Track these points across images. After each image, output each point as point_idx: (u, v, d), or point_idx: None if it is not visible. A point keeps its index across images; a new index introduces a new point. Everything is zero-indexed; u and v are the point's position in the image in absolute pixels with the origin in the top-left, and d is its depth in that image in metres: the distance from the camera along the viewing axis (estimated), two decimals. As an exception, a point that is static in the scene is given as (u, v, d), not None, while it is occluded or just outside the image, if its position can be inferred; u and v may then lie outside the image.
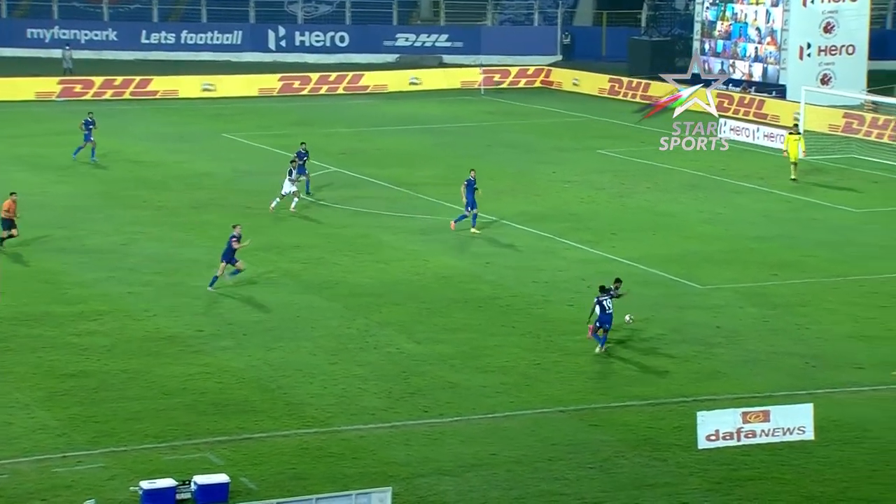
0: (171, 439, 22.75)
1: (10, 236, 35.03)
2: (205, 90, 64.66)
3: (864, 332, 28.82)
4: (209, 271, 33.06)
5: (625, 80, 64.76)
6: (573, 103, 63.38)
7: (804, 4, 59.96)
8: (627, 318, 28.31)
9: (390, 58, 75.57)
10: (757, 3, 61.86)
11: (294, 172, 39.69)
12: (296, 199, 39.65)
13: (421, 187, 42.26)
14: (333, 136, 54.75)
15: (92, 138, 47.10)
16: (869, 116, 52.56)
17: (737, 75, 63.24)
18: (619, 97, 64.46)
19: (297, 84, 66.40)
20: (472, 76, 68.38)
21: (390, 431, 23.35)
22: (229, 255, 31.73)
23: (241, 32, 76.75)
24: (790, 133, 45.39)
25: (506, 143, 51.32)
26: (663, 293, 31.87)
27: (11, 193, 35.83)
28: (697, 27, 65.54)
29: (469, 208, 36.90)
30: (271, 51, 76.43)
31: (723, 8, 63.91)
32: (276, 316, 30.06)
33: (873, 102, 53.20)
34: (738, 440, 21.75)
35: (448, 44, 76.45)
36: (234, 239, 31.78)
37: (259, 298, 31.21)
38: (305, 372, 26.38)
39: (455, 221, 36.97)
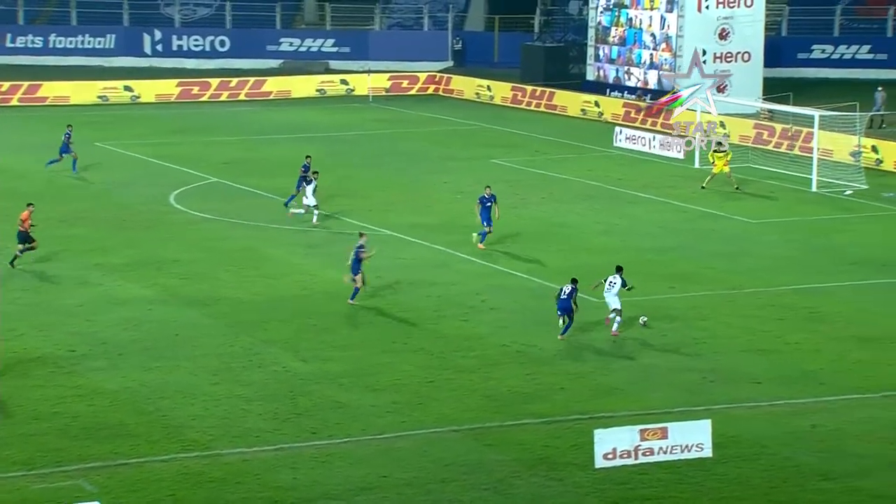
0: (40, 466, 22.32)
1: (29, 249, 34.41)
2: (100, 99, 63.68)
3: (760, 346, 29.43)
4: (78, 287, 32.55)
5: (528, 88, 65.31)
6: (466, 111, 63.74)
7: (699, 10, 61.13)
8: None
9: (274, 63, 75.20)
10: (651, 9, 62.89)
11: (304, 184, 39.93)
12: (316, 212, 39.46)
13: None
14: (215, 145, 54.28)
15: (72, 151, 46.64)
16: (765, 125, 53.80)
17: (632, 82, 64.22)
18: (516, 105, 64.98)
19: (175, 90, 65.70)
20: (361, 83, 68.40)
21: (276, 454, 23.19)
22: (357, 267, 31.47)
23: (113, 36, 75.73)
24: (715, 151, 46.31)
25: (396, 153, 51.41)
26: (559, 307, 32.13)
27: (28, 205, 35.20)
28: (591, 33, 66.38)
29: (485, 224, 36.86)
30: (147, 55, 75.51)
31: (617, 13, 64.85)
32: (153, 334, 29.66)
33: (769, 111, 54.43)
34: (636, 458, 22.03)
35: (334, 49, 76.35)
36: (361, 249, 31.45)
37: (135, 316, 30.77)
38: (185, 393, 26.08)
39: (482, 242, 36.99)
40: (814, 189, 45.72)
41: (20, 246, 34.44)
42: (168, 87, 65.70)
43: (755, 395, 26.47)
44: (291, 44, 76.50)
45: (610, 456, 21.94)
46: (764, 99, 56.06)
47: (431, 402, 25.87)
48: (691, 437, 22.40)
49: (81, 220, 40.42)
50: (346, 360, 28.22)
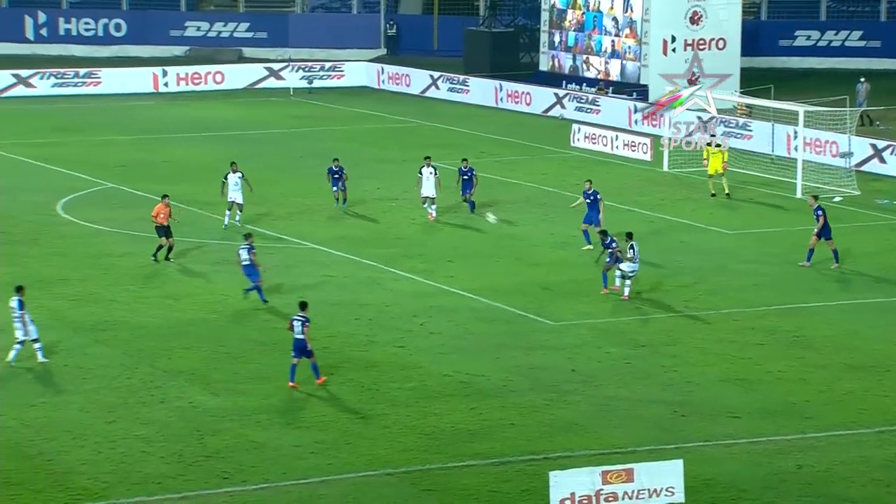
0: None
1: (167, 246, 36.83)
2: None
3: (739, 375, 29.73)
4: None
5: (472, 79, 65.64)
6: (401, 106, 63.94)
7: (668, -9, 61.74)
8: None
9: (178, 50, 74.97)
10: (614, -10, 63.44)
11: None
12: (238, 214, 40.52)
13: (217, 207, 41.97)
14: (109, 145, 54.00)
15: None
16: (742, 122, 54.36)
17: (591, 73, 64.72)
18: (458, 99, 65.27)
19: (60, 81, 65.19)
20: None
21: (181, 504, 23.15)
22: (251, 270, 33.56)
23: (-11, 19, 75.13)
24: (709, 144, 46.83)
25: (320, 154, 51.38)
26: (508, 331, 32.33)
27: (164, 196, 37.52)
28: (545, 17, 66.85)
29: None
30: (29, 41, 74.96)
31: (574, -6, 65.33)
32: (35, 365, 29.42)
33: (747, 105, 55.01)
34: (598, 504, 22.17)
35: (249, 34, 76.31)
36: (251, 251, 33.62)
37: (13, 345, 30.48)
38: (75, 433, 25.90)
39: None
40: (798, 195, 46.27)
41: (163, 239, 37.06)
42: (51, 78, 65.19)
43: (733, 431, 26.72)
44: (199, 28, 76.33)
45: (568, 502, 22.05)
46: (741, 92, 56.66)
47: (362, 441, 25.87)
48: (661, 480, 22.57)
49: (-48, 232, 40.02)
50: (262, 393, 28.16)
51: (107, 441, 25.57)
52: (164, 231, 37.28)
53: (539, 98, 62.14)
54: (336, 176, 42.87)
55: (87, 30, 75.69)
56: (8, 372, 29.08)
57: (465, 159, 43.36)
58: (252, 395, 27.98)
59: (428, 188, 41.64)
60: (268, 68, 68.09)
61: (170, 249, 37.31)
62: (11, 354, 29.50)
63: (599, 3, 64.19)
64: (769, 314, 33.77)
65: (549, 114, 60.90)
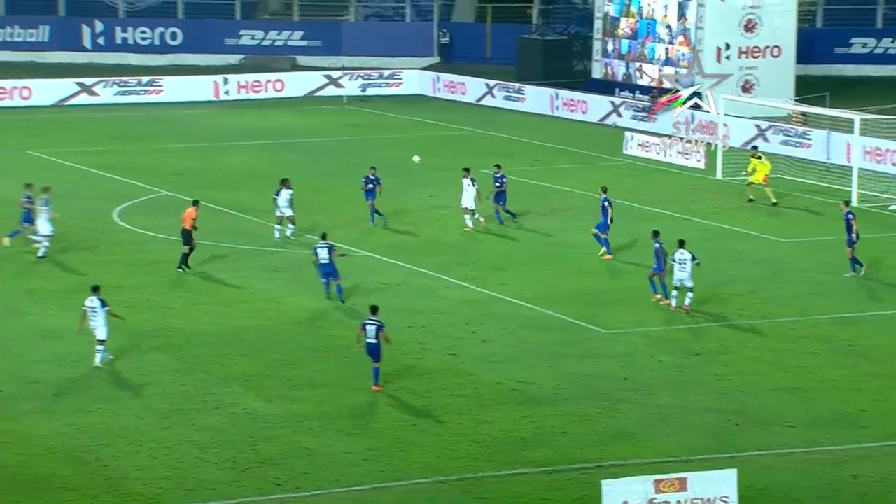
0: (-38, 525, 22.28)
1: (188, 252, 36.65)
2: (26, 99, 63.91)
3: (793, 384, 29.50)
4: (6, 318, 32.40)
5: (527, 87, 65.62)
6: (454, 114, 63.94)
7: (721, -2, 61.49)
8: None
9: (233, 59, 75.36)
10: (667, -3, 63.23)
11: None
12: (291, 226, 40.45)
13: (272, 215, 42.10)
14: (165, 153, 54.33)
15: None
16: (801, 130, 54.00)
17: (644, 81, 64.48)
18: (512, 107, 65.21)
19: (123, 89, 65.66)
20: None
21: (235, 510, 23.20)
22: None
23: (48, 28, 75.82)
24: (753, 156, 46.71)
25: (374, 162, 51.45)
26: (561, 339, 32.23)
27: (194, 202, 37.35)
28: (598, 24, 66.68)
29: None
30: (86, 50, 75.59)
31: (627, 2, 65.15)
32: (92, 372, 29.60)
33: (802, 113, 54.68)
34: (651, 513, 22.03)
35: (303, 42, 76.59)
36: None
37: (72, 351, 30.71)
38: (130, 439, 26.02)
39: (607, 253, 38.81)
40: (854, 204, 45.88)
41: (185, 247, 36.69)
42: (114, 86, 65.68)
43: (787, 440, 26.52)
44: (254, 37, 76.71)
45: (620, 511, 21.91)
46: (796, 100, 56.32)
47: (414, 448, 25.84)
48: (714, 490, 22.39)
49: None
50: (315, 400, 28.19)
51: (161, 447, 25.68)
52: (187, 236, 36.81)
53: (595, 106, 62.05)
54: (371, 185, 42.16)
55: (143, 38, 76.23)
56: (64, 378, 29.27)
57: (497, 165, 43.02)
58: (305, 402, 28.02)
59: (467, 199, 41.52)
60: (327, 76, 68.31)
61: (183, 256, 36.88)
62: (97, 358, 29.64)
63: (653, 10, 63.97)
64: (824, 323, 33.51)
65: (605, 122, 60.86)
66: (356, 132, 59.64)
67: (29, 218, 39.21)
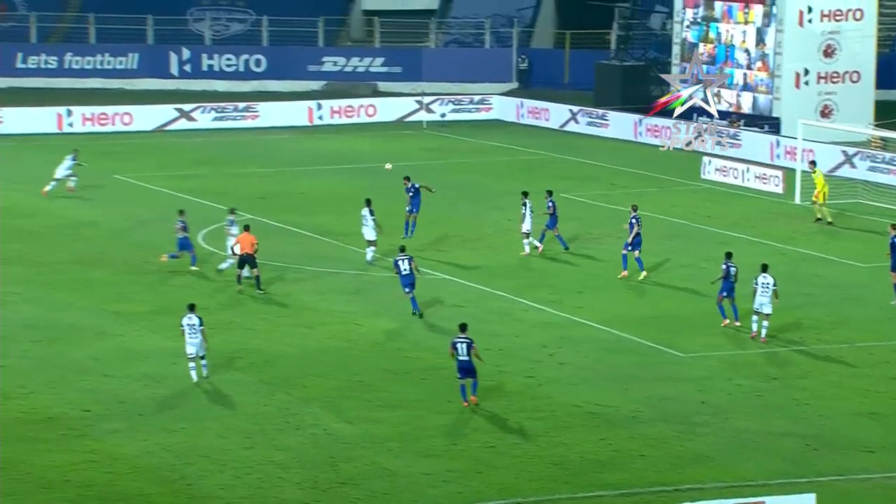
0: (50, 541, 22.55)
1: (252, 275, 37.31)
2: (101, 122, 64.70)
3: (874, 409, 29.18)
4: (94, 339, 32.88)
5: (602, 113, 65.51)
6: (532, 139, 63.94)
7: (800, 24, 61.03)
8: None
9: (315, 85, 75.91)
10: (746, 23, 62.88)
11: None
12: (371, 250, 40.69)
13: (352, 238, 42.35)
14: (248, 178, 54.79)
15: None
16: (885, 156, 53.41)
17: (723, 106, 64.11)
18: (585, 132, 65.09)
19: (221, 115, 66.28)
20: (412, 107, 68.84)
21: (315, 529, 23.37)
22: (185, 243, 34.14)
23: (136, 55, 76.81)
24: (813, 172, 46.60)
25: (452, 186, 51.62)
26: (637, 362, 32.12)
27: (245, 227, 37.99)
28: (676, 50, 66.43)
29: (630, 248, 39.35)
30: (173, 77, 76.50)
31: (706, 28, 64.87)
32: (176, 392, 29.91)
33: (881, 138, 54.11)
34: (728, 537, 21.88)
35: (384, 69, 76.96)
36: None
37: (158, 371, 31.06)
38: (213, 459, 26.24)
39: (641, 269, 38.84)
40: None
41: (254, 270, 37.18)
42: (212, 112, 66.34)
43: (867, 465, 26.24)
44: (336, 63, 77.20)
45: (697, 534, 21.79)
46: (875, 125, 55.74)
47: (492, 470, 25.85)
48: (792, 514, 22.20)
49: (98, 262, 40.89)
50: (394, 421, 28.29)
51: (244, 466, 25.88)
52: (247, 260, 37.03)
53: (680, 133, 61.66)
54: (412, 194, 42.30)
55: (228, 65, 76.98)
56: (149, 397, 29.59)
57: (549, 191, 42.22)
58: (384, 423, 28.12)
59: (525, 224, 41.47)
60: (417, 101, 68.55)
61: (257, 279, 37.19)
62: (193, 374, 30.02)
63: (732, 36, 63.67)
64: (904, 348, 33.14)
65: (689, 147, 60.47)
66: (435, 156, 59.78)
67: (185, 244, 39.46)
